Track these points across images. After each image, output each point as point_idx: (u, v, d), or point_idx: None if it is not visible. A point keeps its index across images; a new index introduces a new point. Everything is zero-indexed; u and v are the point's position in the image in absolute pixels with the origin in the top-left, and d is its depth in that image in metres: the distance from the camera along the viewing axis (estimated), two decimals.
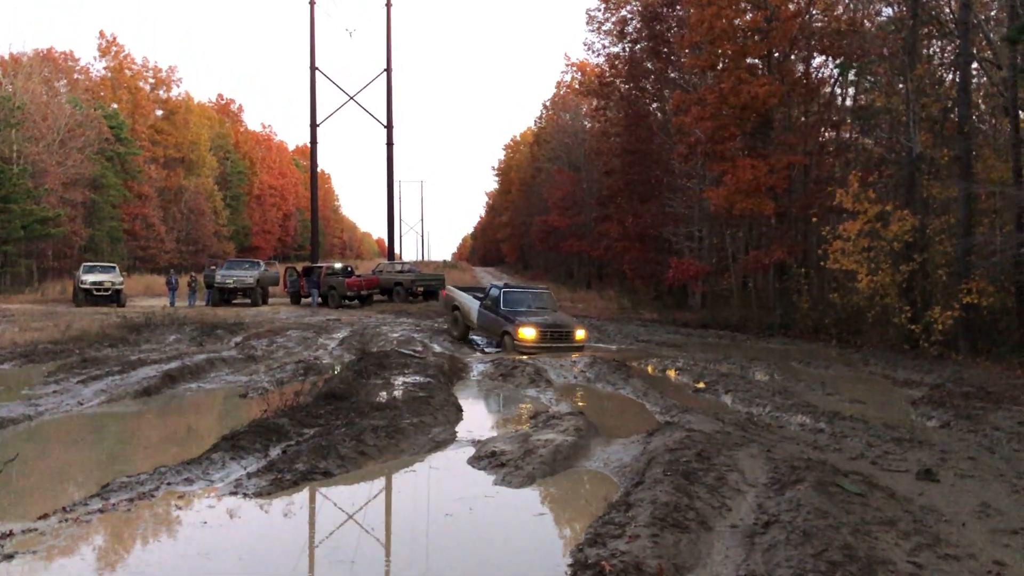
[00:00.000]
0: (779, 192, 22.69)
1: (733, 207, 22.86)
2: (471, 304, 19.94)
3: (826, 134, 25.93)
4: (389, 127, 51.18)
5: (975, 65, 19.64)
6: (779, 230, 23.94)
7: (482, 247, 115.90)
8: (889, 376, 14.87)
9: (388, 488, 7.03)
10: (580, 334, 17.92)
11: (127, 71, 59.46)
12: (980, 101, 22.37)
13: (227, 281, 32.20)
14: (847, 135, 25.34)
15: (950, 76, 21.36)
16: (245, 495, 6.36)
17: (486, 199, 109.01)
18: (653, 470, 6.63)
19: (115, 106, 54.54)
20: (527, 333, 17.19)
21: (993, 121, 21.42)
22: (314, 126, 49.98)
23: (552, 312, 18.88)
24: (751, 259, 24.16)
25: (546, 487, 6.92)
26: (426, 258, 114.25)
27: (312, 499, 6.42)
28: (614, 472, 7.39)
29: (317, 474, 6.98)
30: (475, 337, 20.65)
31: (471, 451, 8.13)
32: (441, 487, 6.95)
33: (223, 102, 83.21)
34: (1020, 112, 17.00)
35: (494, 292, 19.18)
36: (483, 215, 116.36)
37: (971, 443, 8.80)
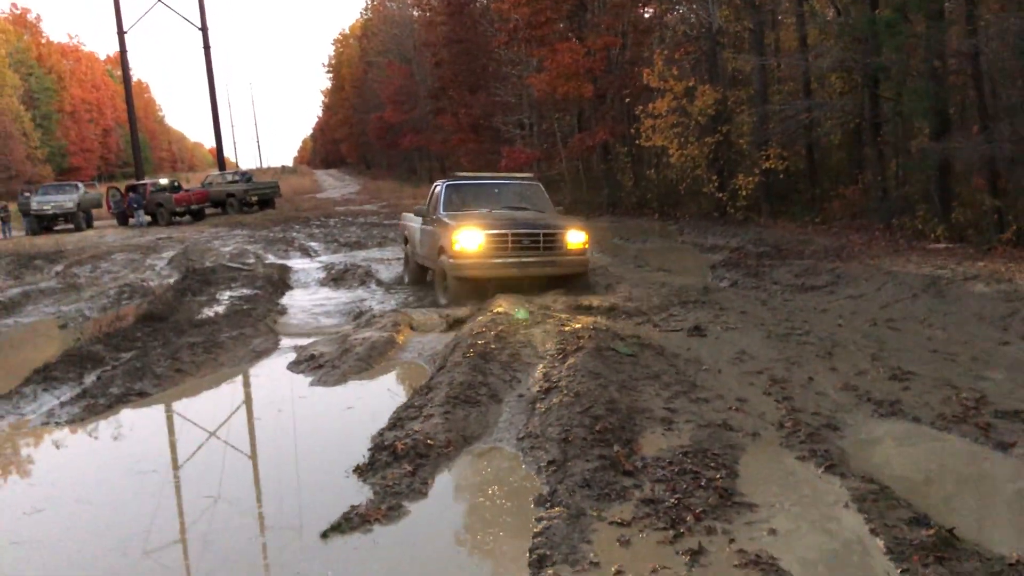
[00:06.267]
0: (597, 74, 23.28)
1: (556, 91, 23.35)
2: (416, 227, 12.61)
3: (644, 12, 26.53)
4: (204, 29, 48.20)
5: None
6: (600, 112, 24.67)
7: (322, 149, 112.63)
8: (698, 244, 16.05)
9: (203, 400, 7.23)
10: (576, 238, 10.44)
11: None
12: None
13: (44, 207, 30.28)
14: (658, 14, 26.01)
15: None
16: (57, 424, 6.43)
17: (322, 98, 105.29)
18: (455, 354, 7.13)
19: None
20: (465, 241, 10.05)
21: None
22: (121, 32, 46.37)
23: (536, 213, 11.36)
24: (576, 142, 24.89)
25: (360, 382, 7.31)
26: (263, 165, 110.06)
27: (123, 420, 6.55)
28: (427, 361, 7.84)
29: (132, 395, 7.08)
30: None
31: (292, 357, 8.39)
32: (257, 393, 7.24)
33: (18, 12, 75.86)
34: None
35: (437, 190, 12.07)
36: (320, 115, 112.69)
37: (750, 298, 9.80)
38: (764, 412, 5.60)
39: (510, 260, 10.15)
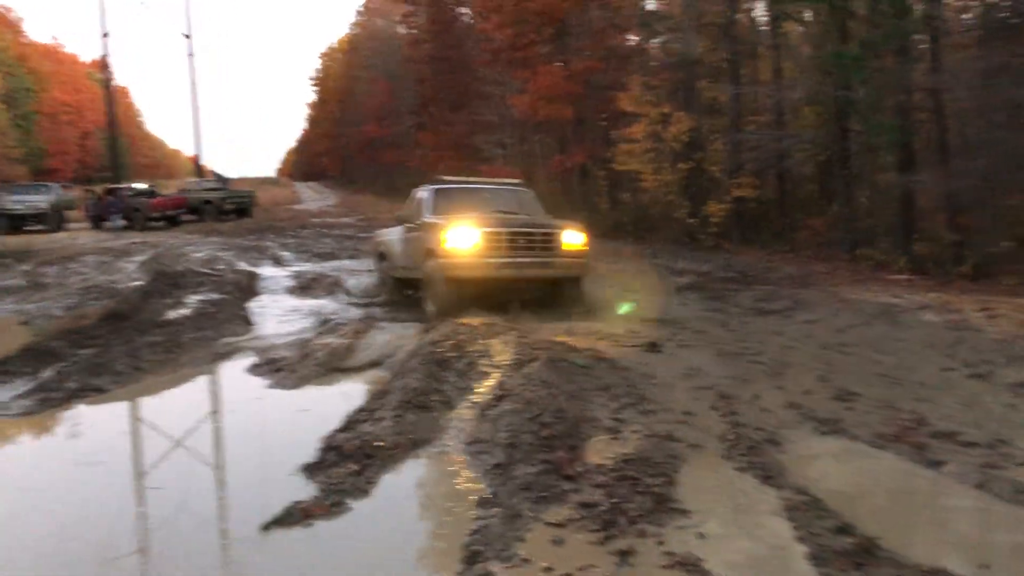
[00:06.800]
0: (577, 97, 23.57)
1: (537, 113, 23.66)
2: (395, 238, 12.19)
3: (627, 40, 26.91)
4: (189, 36, 48.37)
5: None
6: (579, 134, 24.96)
7: (305, 161, 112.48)
8: (668, 267, 16.21)
9: (160, 399, 7.25)
10: (575, 239, 9.99)
11: None
12: (762, 8, 23.93)
13: (16, 207, 30.13)
14: (638, 40, 26.43)
15: None
16: (8, 416, 6.42)
17: (307, 111, 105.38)
18: (412, 361, 7.21)
19: None
20: (457, 239, 9.41)
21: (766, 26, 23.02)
22: (105, 35, 46.43)
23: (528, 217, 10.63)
24: (555, 163, 25.16)
25: (317, 386, 7.36)
26: (244, 175, 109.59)
27: (77, 415, 6.55)
28: (387, 368, 7.90)
29: (89, 391, 7.08)
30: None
31: (253, 360, 8.41)
32: (214, 394, 7.27)
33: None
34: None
35: (421, 195, 11.26)
36: (305, 128, 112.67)
37: (711, 319, 9.96)
38: (709, 426, 5.71)
39: (506, 260, 9.43)
